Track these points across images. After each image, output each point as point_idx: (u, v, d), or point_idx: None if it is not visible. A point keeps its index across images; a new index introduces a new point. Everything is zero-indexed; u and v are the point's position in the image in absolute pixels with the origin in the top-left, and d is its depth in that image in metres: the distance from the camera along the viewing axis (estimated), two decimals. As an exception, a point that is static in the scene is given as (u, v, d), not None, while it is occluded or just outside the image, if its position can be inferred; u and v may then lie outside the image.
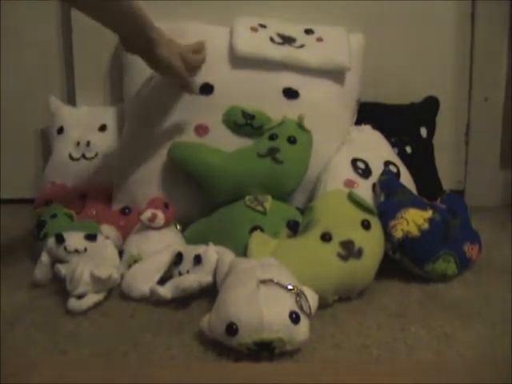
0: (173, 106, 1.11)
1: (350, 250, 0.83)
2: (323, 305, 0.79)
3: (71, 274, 0.82)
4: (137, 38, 0.96)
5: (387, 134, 1.12)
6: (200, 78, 1.11)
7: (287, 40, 1.14)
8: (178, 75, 1.02)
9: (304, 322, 0.69)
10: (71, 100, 1.31)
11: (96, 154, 1.20)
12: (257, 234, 0.89)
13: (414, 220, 0.89)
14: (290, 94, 1.10)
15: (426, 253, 0.89)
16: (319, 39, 1.16)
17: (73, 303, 0.80)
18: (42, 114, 1.28)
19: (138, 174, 1.09)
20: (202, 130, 1.08)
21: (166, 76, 1.04)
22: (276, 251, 0.83)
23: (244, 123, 1.07)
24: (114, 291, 0.86)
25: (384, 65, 1.26)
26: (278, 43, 1.13)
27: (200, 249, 0.86)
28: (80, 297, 0.81)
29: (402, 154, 1.14)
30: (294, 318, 0.68)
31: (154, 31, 0.97)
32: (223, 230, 0.94)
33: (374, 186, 0.99)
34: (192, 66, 1.07)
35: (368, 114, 1.18)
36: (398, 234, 0.88)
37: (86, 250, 0.89)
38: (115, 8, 0.91)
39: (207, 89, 1.10)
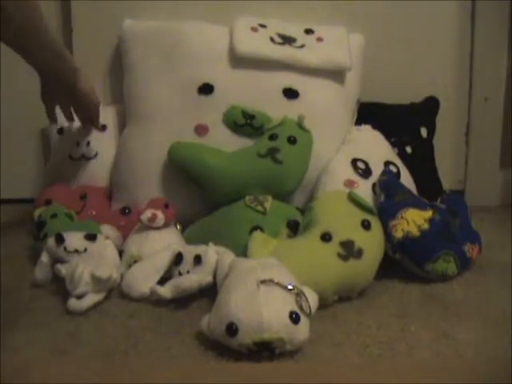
0: (173, 106, 1.11)
1: (349, 250, 0.83)
2: (323, 305, 0.79)
3: (71, 274, 0.82)
4: (62, 70, 0.99)
5: (387, 134, 1.12)
6: (200, 78, 1.11)
7: (287, 40, 1.15)
8: (95, 109, 1.09)
9: (304, 321, 0.69)
10: (71, 100, 1.31)
11: (96, 154, 1.20)
12: (257, 234, 0.89)
13: (413, 220, 0.89)
14: (290, 93, 1.10)
15: (426, 253, 0.89)
16: (319, 39, 1.16)
17: (73, 303, 0.80)
18: (42, 114, 1.28)
19: (138, 174, 1.10)
20: (202, 129, 1.08)
21: (81, 110, 1.09)
22: (276, 251, 0.83)
23: (244, 123, 1.07)
24: (114, 291, 0.86)
25: (384, 65, 1.26)
26: (278, 43, 1.13)
27: (200, 249, 0.86)
28: (80, 297, 0.81)
29: (402, 154, 1.14)
30: (294, 318, 0.68)
31: (74, 62, 1.01)
32: (223, 230, 0.94)
33: (373, 186, 0.99)
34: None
35: (368, 113, 1.18)
36: (398, 234, 0.88)
37: (85, 250, 0.89)
38: (36, 38, 0.94)
39: (207, 89, 1.10)
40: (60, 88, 1.04)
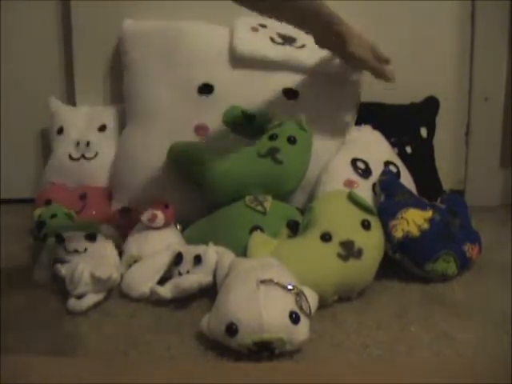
0: (173, 106, 1.11)
1: (349, 250, 0.83)
2: (323, 305, 0.79)
3: (71, 273, 0.82)
4: (325, 33, 0.98)
5: (387, 134, 1.12)
6: (200, 78, 1.11)
7: (287, 40, 1.14)
8: (371, 67, 1.02)
9: (304, 321, 0.69)
10: (71, 100, 1.31)
11: (96, 154, 1.20)
12: (257, 234, 0.89)
13: (413, 220, 0.89)
14: (290, 94, 1.10)
15: (426, 253, 0.89)
16: (319, 39, 1.16)
17: (73, 303, 0.80)
18: (42, 114, 1.28)
19: (138, 173, 1.09)
20: (201, 130, 1.08)
21: (358, 68, 1.04)
22: (276, 251, 0.83)
23: (244, 123, 1.07)
24: (114, 291, 0.86)
25: (384, 65, 1.26)
26: (279, 43, 1.13)
27: (200, 249, 0.86)
28: (80, 297, 0.81)
29: (402, 154, 1.13)
30: (294, 318, 0.68)
31: (343, 26, 0.98)
32: (223, 230, 0.94)
33: (374, 185, 0.99)
34: (382, 58, 1.04)
35: (368, 113, 1.18)
36: (398, 234, 0.88)
37: (85, 250, 0.89)
38: (296, 8, 0.94)
39: (207, 89, 1.10)
40: (328, 45, 1.03)
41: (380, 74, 1.03)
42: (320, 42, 1.02)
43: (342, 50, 0.99)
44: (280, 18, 0.98)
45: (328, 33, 0.98)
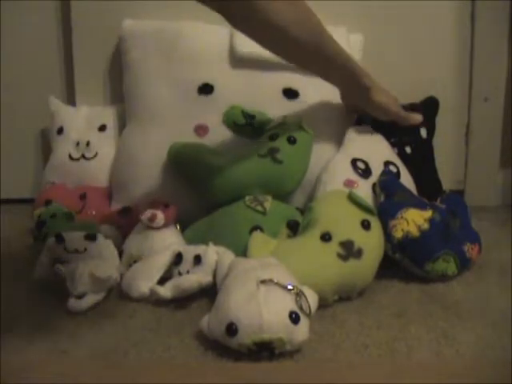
0: (173, 106, 1.11)
1: (349, 250, 0.83)
2: (323, 305, 0.79)
3: (71, 274, 0.82)
4: (354, 87, 1.02)
5: (387, 134, 1.12)
6: (200, 78, 1.11)
7: (287, 40, 1.14)
8: (395, 114, 1.07)
9: (304, 321, 0.69)
10: (71, 100, 1.31)
11: (96, 154, 1.20)
12: (257, 234, 0.89)
13: (413, 220, 0.89)
14: (290, 94, 1.11)
15: (426, 253, 0.89)
16: (319, 39, 1.16)
17: (73, 303, 0.80)
18: (42, 113, 1.29)
19: (138, 174, 1.10)
20: (201, 130, 1.08)
21: (384, 117, 1.07)
22: (276, 251, 0.83)
23: (244, 123, 1.07)
24: (114, 291, 0.86)
25: (384, 65, 1.26)
26: (278, 43, 1.13)
27: (200, 249, 0.86)
28: (80, 297, 0.81)
29: (402, 154, 1.13)
30: (294, 318, 0.68)
31: (368, 79, 1.02)
32: (223, 230, 0.94)
33: (373, 185, 0.99)
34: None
35: (368, 114, 1.18)
36: (398, 234, 0.88)
37: (85, 250, 0.89)
38: (327, 62, 0.97)
39: (207, 89, 1.10)
40: (353, 98, 1.07)
41: (406, 119, 1.08)
42: (346, 97, 1.07)
43: (368, 100, 1.03)
44: (307, 68, 1.02)
45: (355, 86, 1.02)
